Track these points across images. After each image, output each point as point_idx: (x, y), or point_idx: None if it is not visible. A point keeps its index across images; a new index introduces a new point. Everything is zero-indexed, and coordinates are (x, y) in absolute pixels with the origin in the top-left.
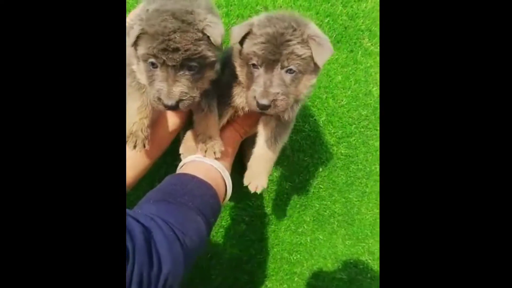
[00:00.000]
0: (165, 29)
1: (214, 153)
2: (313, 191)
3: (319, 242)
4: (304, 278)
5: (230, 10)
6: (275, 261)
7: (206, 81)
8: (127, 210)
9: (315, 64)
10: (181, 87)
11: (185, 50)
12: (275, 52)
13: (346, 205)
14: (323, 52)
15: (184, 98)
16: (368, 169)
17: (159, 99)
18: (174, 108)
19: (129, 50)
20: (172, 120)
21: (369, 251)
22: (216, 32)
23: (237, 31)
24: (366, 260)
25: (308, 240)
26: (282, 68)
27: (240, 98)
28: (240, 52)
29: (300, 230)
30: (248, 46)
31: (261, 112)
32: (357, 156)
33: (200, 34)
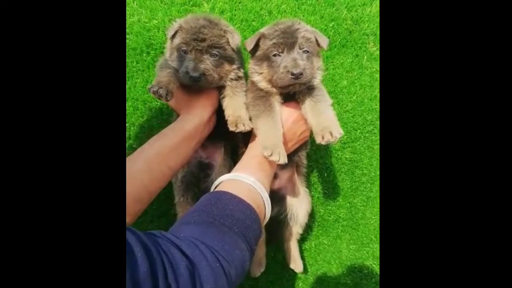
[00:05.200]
0: (197, 25)
1: (243, 125)
2: (318, 196)
3: (323, 247)
4: (308, 283)
5: (234, 15)
6: (280, 267)
7: (225, 72)
8: (168, 235)
9: (319, 46)
10: (204, 65)
11: (210, 40)
12: (292, 37)
13: (350, 210)
14: (324, 40)
15: (206, 74)
16: (372, 174)
17: (187, 72)
18: (198, 79)
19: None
20: (205, 106)
21: (373, 256)
22: (234, 38)
23: (250, 40)
24: (371, 264)
25: (313, 245)
26: (300, 48)
27: (263, 83)
28: (253, 56)
29: (304, 235)
30: (265, 45)
31: (294, 82)
32: (361, 161)
33: (222, 32)
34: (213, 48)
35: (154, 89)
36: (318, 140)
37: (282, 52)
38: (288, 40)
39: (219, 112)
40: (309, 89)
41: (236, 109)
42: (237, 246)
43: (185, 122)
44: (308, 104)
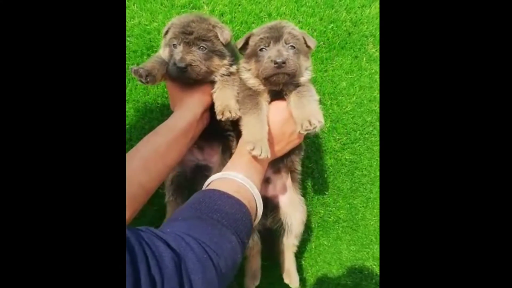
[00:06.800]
0: (187, 20)
1: (230, 111)
2: (318, 197)
3: (323, 248)
4: (309, 284)
5: (234, 17)
6: (280, 268)
7: (214, 66)
8: (155, 230)
9: (307, 46)
10: (191, 56)
11: (197, 33)
12: (278, 32)
13: (350, 211)
14: (312, 40)
15: (193, 64)
16: (372, 175)
17: (174, 64)
18: (184, 69)
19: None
20: (199, 101)
21: (373, 257)
22: (223, 33)
23: (240, 40)
24: (371, 265)
25: (313, 246)
26: (286, 43)
27: (251, 80)
28: (244, 55)
29: (304, 236)
30: (253, 42)
31: (277, 72)
32: (361, 162)
33: (210, 27)
34: (201, 41)
35: (135, 69)
36: (297, 129)
37: (268, 45)
38: (274, 34)
39: (214, 112)
40: (296, 86)
41: (225, 99)
42: (226, 239)
43: (178, 119)
44: (293, 99)
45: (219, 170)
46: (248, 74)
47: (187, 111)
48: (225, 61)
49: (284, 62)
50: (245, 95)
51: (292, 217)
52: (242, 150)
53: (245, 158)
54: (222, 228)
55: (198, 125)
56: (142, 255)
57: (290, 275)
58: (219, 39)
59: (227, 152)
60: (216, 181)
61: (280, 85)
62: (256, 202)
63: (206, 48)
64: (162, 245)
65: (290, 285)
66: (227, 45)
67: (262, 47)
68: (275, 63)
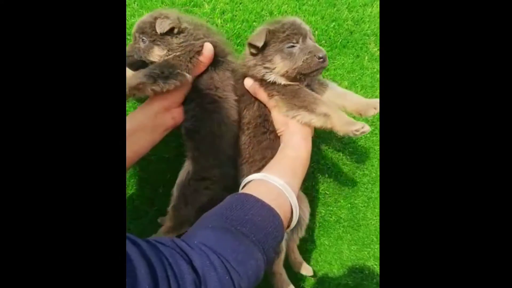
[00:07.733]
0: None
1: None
2: (319, 197)
3: (324, 247)
4: (309, 284)
5: (235, 16)
6: (292, 265)
7: (155, 56)
8: (180, 242)
9: None
10: (128, 48)
11: (137, 26)
12: (302, 28)
13: (351, 211)
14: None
15: (128, 55)
16: (373, 174)
17: None
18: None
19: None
20: (159, 96)
21: (374, 257)
22: (160, 25)
23: (257, 37)
24: (372, 265)
25: (314, 246)
26: (310, 39)
27: (282, 80)
28: (257, 54)
29: (305, 236)
30: (277, 38)
31: (320, 66)
32: (362, 162)
33: (151, 19)
34: (140, 34)
35: None
36: (371, 113)
37: (297, 42)
38: (301, 31)
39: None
40: (320, 80)
41: (132, 78)
42: (252, 256)
43: (135, 112)
44: (330, 92)
45: (180, 183)
46: (273, 75)
47: (144, 105)
48: (165, 52)
49: (325, 56)
50: (296, 89)
51: (300, 211)
52: (285, 151)
53: (287, 161)
54: (250, 245)
55: (159, 119)
56: (163, 275)
57: (305, 266)
58: (155, 30)
59: (197, 159)
60: (255, 182)
61: (306, 80)
62: (293, 212)
63: (146, 40)
64: (185, 265)
65: (309, 275)
66: (175, 36)
67: (291, 44)
68: (319, 57)
